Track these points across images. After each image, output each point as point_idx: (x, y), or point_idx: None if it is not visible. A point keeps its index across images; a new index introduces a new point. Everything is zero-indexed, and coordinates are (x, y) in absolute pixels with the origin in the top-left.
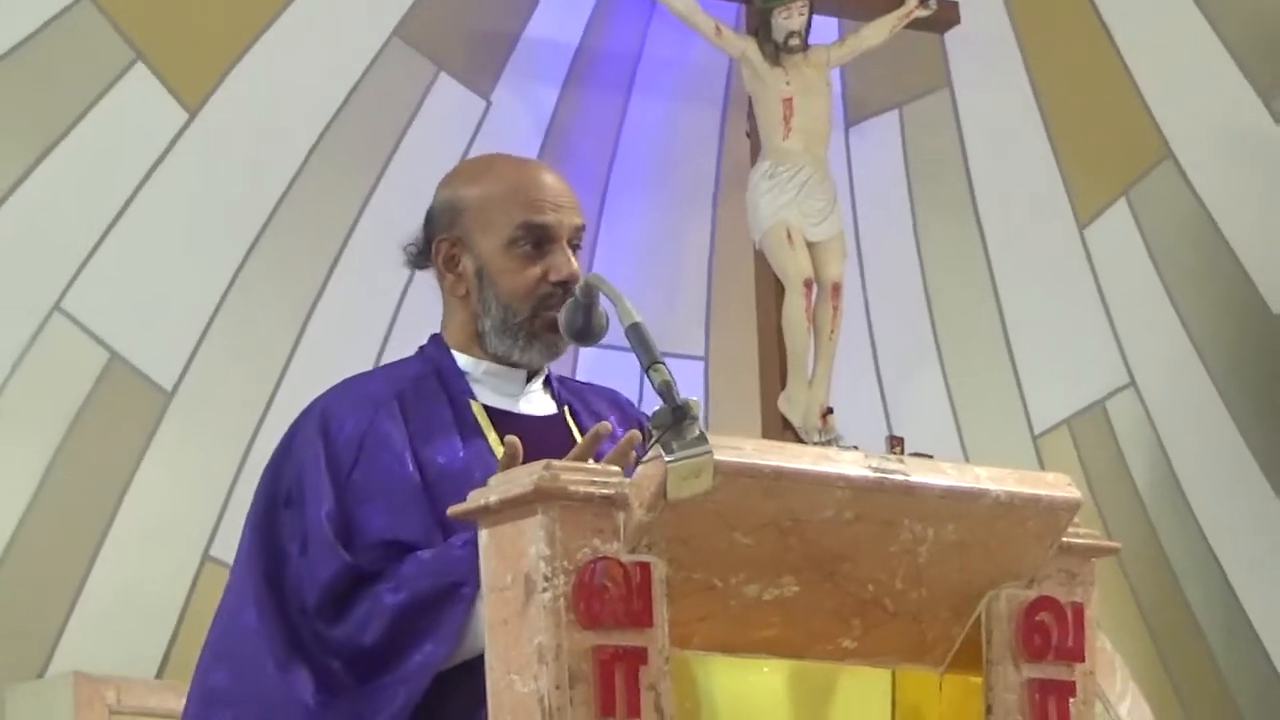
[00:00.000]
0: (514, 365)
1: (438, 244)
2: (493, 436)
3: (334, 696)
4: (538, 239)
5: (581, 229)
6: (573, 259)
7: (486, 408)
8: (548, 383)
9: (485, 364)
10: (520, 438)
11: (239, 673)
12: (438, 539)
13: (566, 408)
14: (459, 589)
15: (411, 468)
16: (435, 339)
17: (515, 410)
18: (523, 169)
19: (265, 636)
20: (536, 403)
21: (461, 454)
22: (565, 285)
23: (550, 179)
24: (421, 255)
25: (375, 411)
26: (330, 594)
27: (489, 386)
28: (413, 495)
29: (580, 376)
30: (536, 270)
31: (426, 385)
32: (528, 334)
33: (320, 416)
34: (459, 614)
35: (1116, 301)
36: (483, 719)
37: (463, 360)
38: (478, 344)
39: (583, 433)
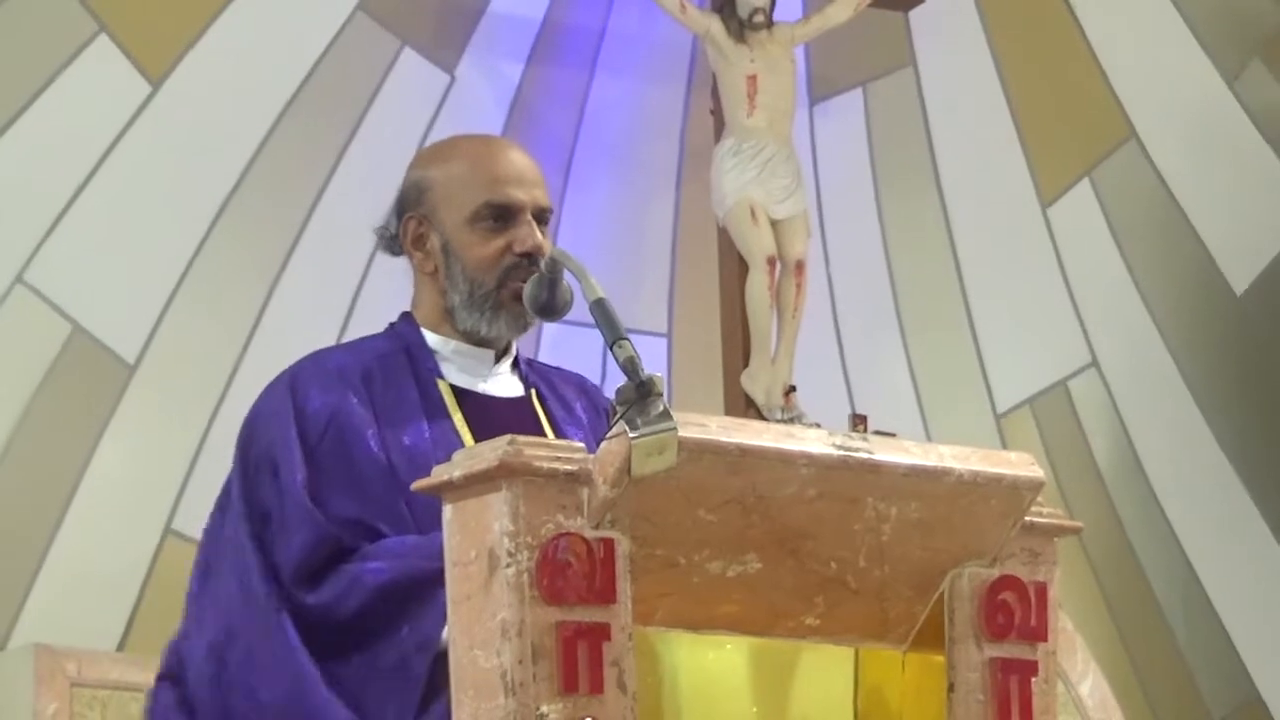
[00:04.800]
0: (483, 341)
1: (405, 222)
2: (458, 416)
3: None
4: (500, 215)
5: (548, 210)
6: (537, 231)
7: (454, 387)
8: (516, 365)
9: (455, 343)
10: (486, 417)
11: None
12: (405, 521)
13: (534, 390)
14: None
15: (378, 449)
16: (406, 316)
17: (483, 391)
18: (487, 147)
19: (270, 601)
20: (504, 384)
21: (427, 434)
22: (530, 256)
23: (515, 157)
24: (393, 239)
25: (344, 388)
26: (309, 561)
27: (457, 366)
28: (379, 477)
29: (544, 352)
30: (500, 242)
31: (394, 362)
32: (494, 305)
33: (289, 386)
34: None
35: (1079, 281)
36: (439, 709)
37: (432, 339)
38: (448, 322)
39: (549, 416)
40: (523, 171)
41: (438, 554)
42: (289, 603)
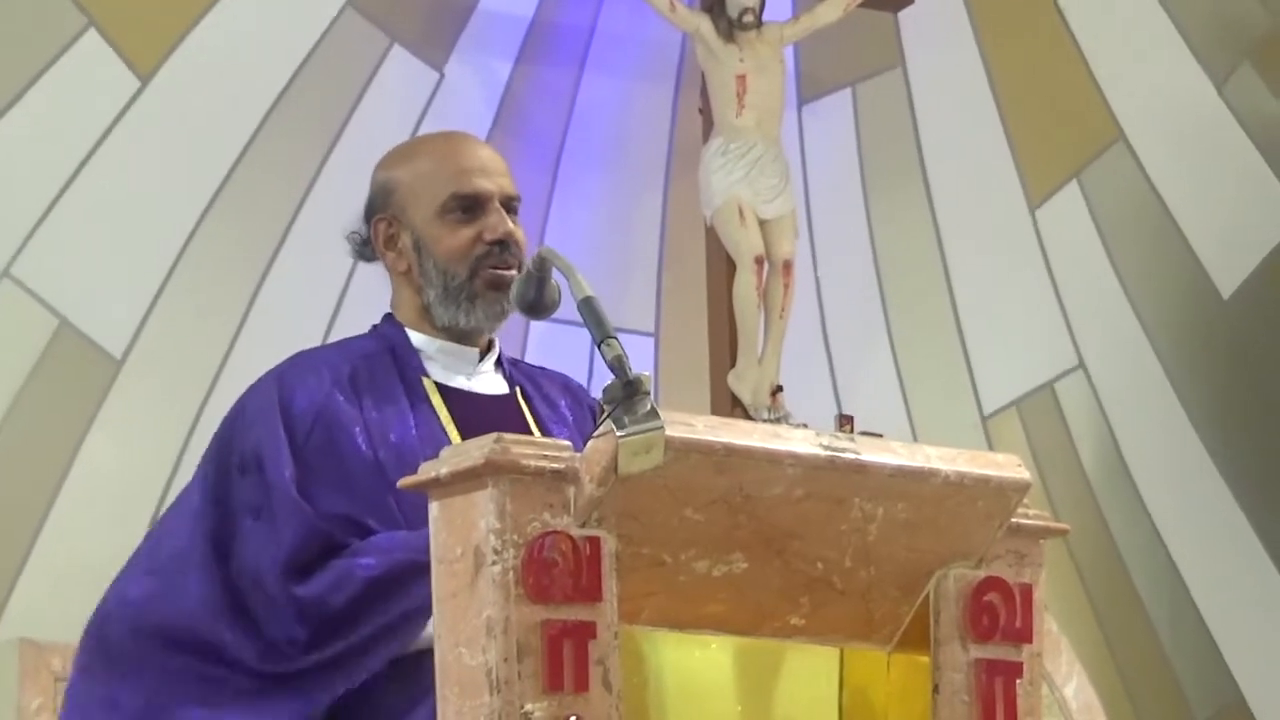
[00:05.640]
0: (464, 336)
1: (375, 224)
2: (444, 414)
3: (277, 664)
4: (468, 206)
5: (515, 198)
6: (507, 219)
7: (439, 385)
8: (500, 364)
9: (439, 342)
10: (472, 415)
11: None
12: (393, 517)
13: (518, 389)
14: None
15: (365, 446)
16: (389, 317)
17: (467, 388)
18: (450, 142)
19: (210, 602)
20: (488, 382)
21: (414, 431)
22: (501, 243)
23: (479, 149)
24: (365, 244)
25: (330, 386)
26: (300, 554)
27: (442, 364)
28: (367, 474)
29: (531, 350)
30: (470, 232)
31: (379, 361)
32: (469, 296)
33: (276, 385)
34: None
35: (1066, 283)
36: (425, 709)
37: (416, 338)
38: (427, 320)
39: (534, 414)
40: (486, 162)
41: (428, 549)
42: (234, 612)
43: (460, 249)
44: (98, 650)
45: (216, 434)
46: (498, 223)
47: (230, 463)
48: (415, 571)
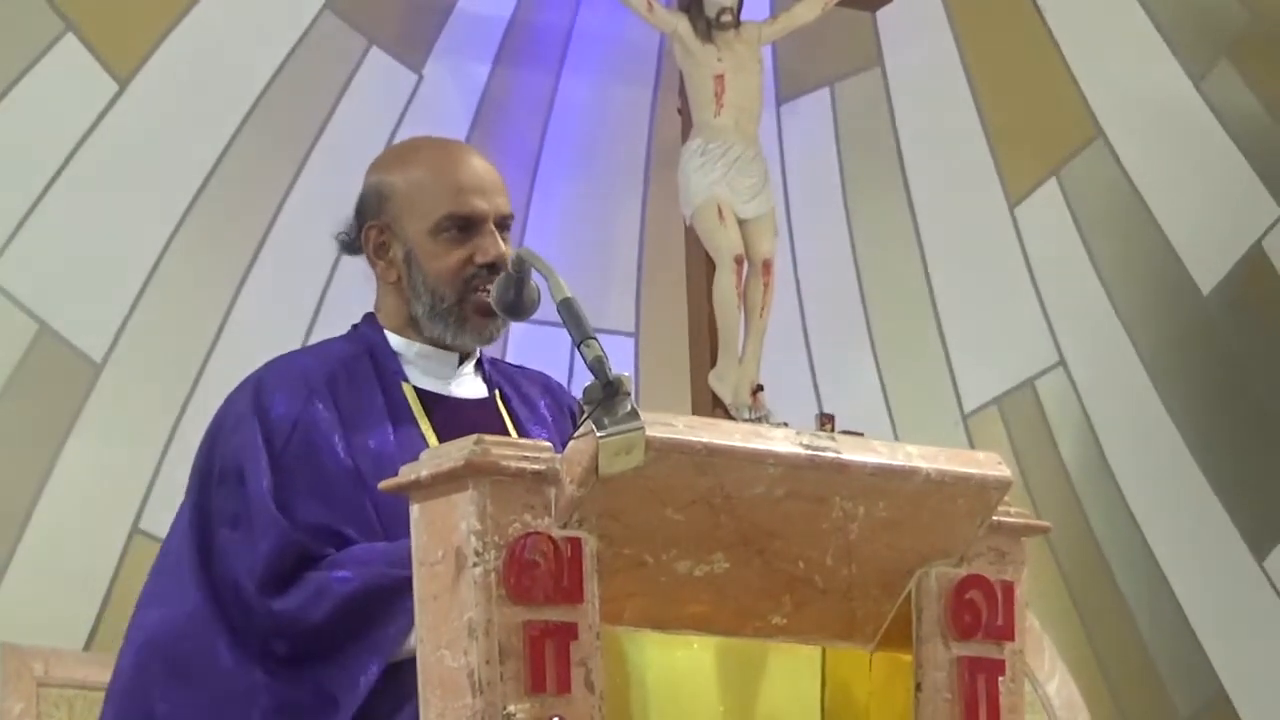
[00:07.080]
0: (447, 349)
1: (366, 230)
2: (423, 419)
3: (277, 677)
4: (463, 225)
5: (509, 218)
6: (500, 241)
7: (418, 390)
8: (479, 365)
9: (418, 346)
10: (451, 420)
11: (192, 672)
12: (371, 525)
13: (498, 391)
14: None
15: (343, 453)
16: (369, 318)
17: (447, 393)
18: (449, 154)
19: (211, 619)
20: (468, 385)
21: (392, 438)
22: (493, 266)
23: (477, 164)
24: (354, 242)
25: (309, 393)
26: (275, 566)
27: (421, 368)
28: (345, 482)
29: (511, 351)
30: (463, 253)
31: (359, 366)
32: (458, 318)
33: (254, 392)
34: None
35: (1046, 281)
36: (408, 712)
37: (396, 341)
38: (411, 328)
39: (513, 416)
40: (484, 180)
41: (405, 561)
42: (226, 620)
43: (451, 269)
44: (134, 684)
45: (200, 444)
46: (490, 245)
47: (212, 473)
48: (393, 586)
